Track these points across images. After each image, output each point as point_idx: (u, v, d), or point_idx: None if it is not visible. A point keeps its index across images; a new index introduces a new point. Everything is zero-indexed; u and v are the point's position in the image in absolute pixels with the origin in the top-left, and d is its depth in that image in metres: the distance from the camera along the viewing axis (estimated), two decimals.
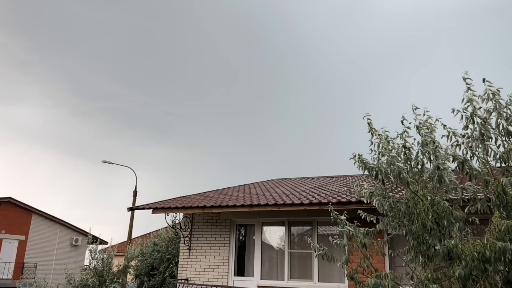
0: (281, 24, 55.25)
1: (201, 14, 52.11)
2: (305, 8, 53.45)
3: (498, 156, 4.11)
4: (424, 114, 4.79)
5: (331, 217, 5.01)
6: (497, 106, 4.09)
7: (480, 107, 4.20)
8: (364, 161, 4.67)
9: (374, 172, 4.56)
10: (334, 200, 8.17)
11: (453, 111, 4.33)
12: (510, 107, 4.11)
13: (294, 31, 54.88)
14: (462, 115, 4.31)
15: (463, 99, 4.29)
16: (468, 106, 4.24)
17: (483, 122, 4.12)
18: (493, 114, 4.13)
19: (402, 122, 4.81)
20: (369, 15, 54.01)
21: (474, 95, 4.23)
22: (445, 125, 4.63)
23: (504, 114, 4.08)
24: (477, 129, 4.17)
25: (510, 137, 4.10)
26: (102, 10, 46.18)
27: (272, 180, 16.46)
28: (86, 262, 16.13)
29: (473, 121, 4.21)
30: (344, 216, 4.93)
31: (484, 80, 4.17)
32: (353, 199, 8.03)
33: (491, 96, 4.12)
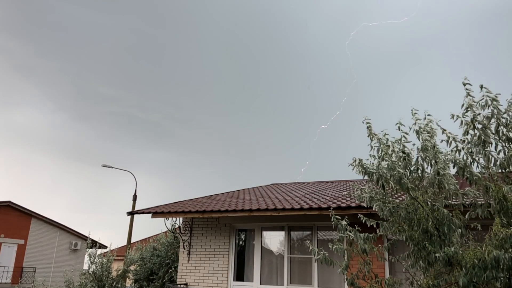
0: (281, 27, 55.41)
1: (202, 19, 52.32)
2: (305, 11, 53.65)
3: (498, 162, 4.10)
4: (425, 118, 4.78)
5: (332, 222, 5.00)
6: (496, 112, 4.09)
7: (480, 113, 4.20)
8: (364, 166, 4.67)
9: (375, 177, 4.55)
10: (334, 205, 8.15)
11: (452, 117, 4.33)
12: (509, 113, 4.11)
13: (294, 33, 55.04)
14: (462, 121, 4.31)
15: (463, 105, 4.29)
16: (468, 111, 4.24)
17: (483, 128, 4.12)
18: (493, 120, 4.13)
19: (399, 128, 4.80)
20: (369, 18, 54.17)
21: (474, 101, 4.23)
22: (444, 130, 4.62)
23: (504, 120, 4.07)
24: (477, 135, 4.17)
25: (510, 143, 4.09)
26: (103, 15, 46.36)
27: (272, 184, 16.44)
28: (85, 267, 16.06)
29: (474, 127, 4.21)
30: (345, 221, 4.92)
31: (481, 86, 4.17)
32: (353, 204, 8.01)
33: (489, 102, 4.13)
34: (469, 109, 4.22)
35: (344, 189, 12.10)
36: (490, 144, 4.13)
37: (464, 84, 4.30)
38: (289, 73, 57.30)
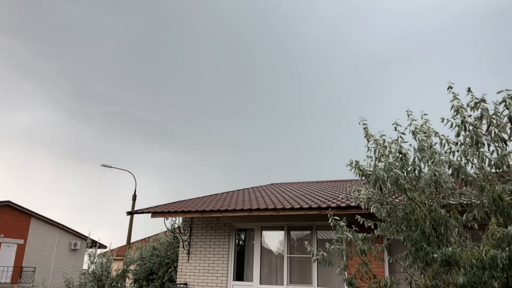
0: (283, 27, 55.43)
1: (203, 18, 52.29)
2: (308, 12, 53.64)
3: (492, 162, 4.12)
4: (421, 118, 4.80)
5: (330, 222, 5.01)
6: (485, 114, 4.13)
7: (470, 115, 4.23)
8: (361, 168, 4.68)
9: (372, 179, 4.56)
10: (334, 205, 8.16)
11: (442, 120, 4.37)
12: (498, 113, 4.13)
13: (296, 34, 55.04)
14: (452, 123, 4.34)
15: (452, 107, 4.33)
16: (456, 114, 4.29)
17: (474, 129, 4.14)
18: (484, 121, 4.16)
19: (395, 128, 4.82)
20: (371, 19, 54.18)
21: (462, 103, 4.28)
22: (437, 132, 4.65)
23: (494, 121, 4.10)
24: (469, 136, 4.20)
25: (503, 143, 4.11)
26: (104, 14, 46.34)
27: (271, 184, 16.45)
28: (85, 266, 16.07)
29: (465, 128, 4.24)
30: (344, 222, 4.93)
31: (469, 89, 4.22)
32: (353, 204, 8.02)
33: (478, 104, 4.16)
34: (456, 111, 4.26)
35: (344, 189, 12.11)
36: (482, 145, 4.15)
37: (450, 88, 4.34)
38: (289, 73, 57.32)
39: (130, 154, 57.10)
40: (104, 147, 55.79)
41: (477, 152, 4.13)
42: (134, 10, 48.69)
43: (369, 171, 4.59)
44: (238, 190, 14.42)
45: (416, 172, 4.65)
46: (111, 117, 53.99)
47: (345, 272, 4.79)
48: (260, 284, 9.90)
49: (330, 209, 5.75)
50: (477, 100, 4.14)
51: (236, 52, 56.93)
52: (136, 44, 50.97)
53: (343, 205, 8.16)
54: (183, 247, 10.92)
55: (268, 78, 59.49)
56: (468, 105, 4.24)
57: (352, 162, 4.76)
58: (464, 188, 4.56)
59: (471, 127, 4.17)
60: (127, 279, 14.26)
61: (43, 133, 53.73)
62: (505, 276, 3.58)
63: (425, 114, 4.77)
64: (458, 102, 4.25)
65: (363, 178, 4.69)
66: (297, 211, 8.69)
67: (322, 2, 53.92)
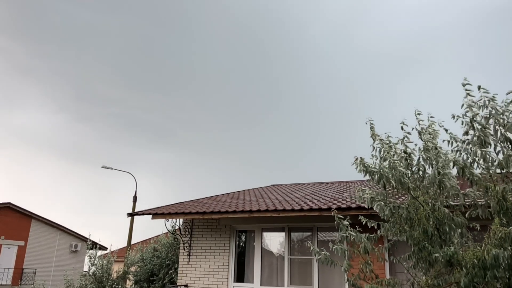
0: (284, 27, 55.47)
1: (205, 20, 52.37)
2: (308, 12, 53.74)
3: (497, 163, 4.12)
4: (428, 119, 4.80)
5: (334, 222, 5.01)
6: (494, 113, 4.11)
7: (478, 114, 4.22)
8: (366, 165, 4.68)
9: (376, 177, 4.56)
10: (334, 206, 8.15)
11: (453, 117, 4.35)
12: (506, 113, 4.13)
13: (300, 33, 55.06)
14: (462, 121, 4.33)
15: (462, 105, 4.32)
16: (468, 112, 4.26)
17: (482, 129, 4.13)
18: (491, 120, 4.15)
19: (402, 127, 4.83)
20: (372, 19, 54.23)
21: (473, 101, 4.25)
22: (447, 130, 4.64)
23: (502, 121, 4.09)
24: (477, 135, 4.19)
25: (508, 143, 4.10)
26: (106, 15, 46.41)
27: (272, 185, 16.44)
28: (86, 268, 16.08)
29: (473, 127, 4.23)
30: (347, 221, 4.94)
31: (479, 87, 4.20)
32: (353, 205, 8.02)
33: (487, 102, 4.15)
34: (468, 109, 4.24)
35: (344, 190, 12.10)
36: (489, 145, 4.14)
37: (464, 85, 4.32)
38: (290, 74, 57.34)
39: (131, 155, 57.11)
40: (105, 148, 55.81)
41: (481, 152, 4.12)
42: (135, 10, 48.78)
43: (374, 168, 4.59)
44: (239, 191, 14.41)
45: (421, 172, 4.65)
46: (112, 118, 54.04)
47: (348, 272, 4.78)
48: (260, 285, 9.88)
49: (331, 210, 5.74)
50: (486, 99, 4.14)
51: (238, 52, 56.96)
52: (137, 44, 51.07)
53: (344, 206, 8.15)
54: (184, 249, 10.91)
55: (269, 79, 59.54)
56: (476, 104, 4.23)
57: (357, 159, 4.76)
58: (468, 189, 4.55)
59: (479, 126, 4.16)
60: (127, 280, 14.25)
61: (44, 134, 53.78)
62: (507, 276, 3.57)
63: (431, 117, 4.77)
64: (470, 100, 4.24)
65: (367, 175, 4.69)
66: (298, 212, 8.68)
67: (323, 2, 53.93)
